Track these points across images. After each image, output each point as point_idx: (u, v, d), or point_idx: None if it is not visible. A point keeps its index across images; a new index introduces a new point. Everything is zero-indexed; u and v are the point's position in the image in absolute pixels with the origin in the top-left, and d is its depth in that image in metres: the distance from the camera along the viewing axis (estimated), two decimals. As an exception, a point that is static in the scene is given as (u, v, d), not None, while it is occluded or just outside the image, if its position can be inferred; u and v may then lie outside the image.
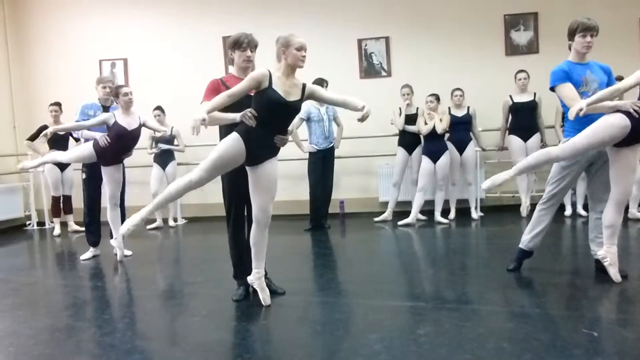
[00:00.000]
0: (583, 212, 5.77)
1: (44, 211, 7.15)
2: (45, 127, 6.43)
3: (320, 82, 5.90)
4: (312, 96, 3.13)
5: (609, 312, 2.95)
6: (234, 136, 2.95)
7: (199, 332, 2.89)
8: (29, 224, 7.13)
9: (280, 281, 3.51)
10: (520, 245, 3.70)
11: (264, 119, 2.95)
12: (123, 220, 4.66)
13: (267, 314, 3.07)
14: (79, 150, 4.64)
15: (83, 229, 5.13)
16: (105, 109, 4.78)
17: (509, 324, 2.75)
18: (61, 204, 6.70)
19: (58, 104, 6.39)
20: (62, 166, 6.54)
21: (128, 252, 4.80)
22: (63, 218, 6.74)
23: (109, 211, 4.69)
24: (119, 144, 4.45)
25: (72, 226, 6.67)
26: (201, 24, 7.16)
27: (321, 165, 5.97)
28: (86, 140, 4.80)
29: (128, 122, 4.47)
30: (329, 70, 6.75)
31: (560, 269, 3.75)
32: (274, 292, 3.32)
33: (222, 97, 2.89)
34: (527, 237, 3.66)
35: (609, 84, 3.34)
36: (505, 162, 6.38)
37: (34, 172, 7.12)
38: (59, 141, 6.34)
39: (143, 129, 4.62)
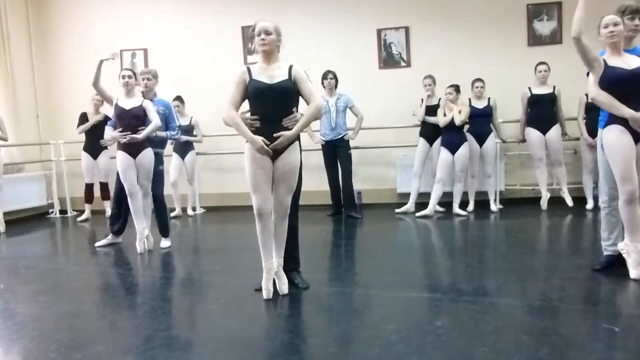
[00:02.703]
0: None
1: (66, 199, 7.28)
2: (84, 114, 6.56)
3: (326, 74, 5.90)
4: (296, 81, 3.00)
5: (630, 307, 2.90)
6: (247, 146, 3.03)
7: (217, 320, 2.92)
8: (52, 212, 7.27)
9: (298, 271, 3.52)
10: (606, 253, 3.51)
11: (260, 111, 2.98)
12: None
13: (284, 303, 3.09)
14: (119, 163, 4.58)
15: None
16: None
17: (528, 318, 2.73)
18: (94, 191, 6.84)
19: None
20: (95, 154, 6.66)
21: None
22: (99, 205, 6.83)
23: (141, 202, 4.68)
24: (122, 124, 4.51)
25: (109, 212, 6.78)
26: (220, 14, 7.16)
27: (332, 156, 6.03)
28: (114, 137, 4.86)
29: (127, 103, 4.54)
30: (347, 60, 6.73)
31: (581, 262, 3.69)
32: (295, 285, 3.31)
33: (235, 114, 3.01)
34: (607, 243, 3.49)
35: None
36: (525, 154, 6.31)
37: (57, 161, 7.27)
38: (93, 132, 6.56)
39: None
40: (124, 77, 4.56)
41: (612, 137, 3.16)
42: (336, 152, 6.03)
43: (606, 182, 3.36)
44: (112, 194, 5.12)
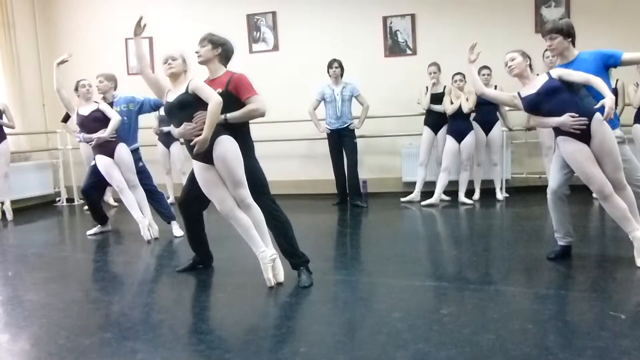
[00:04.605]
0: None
1: (73, 188, 7.31)
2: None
3: (331, 63, 5.91)
4: (196, 92, 3.08)
5: (636, 295, 2.89)
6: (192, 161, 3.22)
7: (224, 307, 2.94)
8: (59, 201, 7.31)
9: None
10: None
11: (174, 124, 3.20)
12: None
13: (291, 292, 3.10)
14: (101, 167, 4.70)
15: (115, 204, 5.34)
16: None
17: (534, 305, 2.73)
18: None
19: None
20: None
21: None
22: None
23: (132, 195, 4.75)
24: (86, 129, 4.67)
25: (110, 201, 6.83)
26: (226, 2, 7.12)
27: (337, 145, 6.04)
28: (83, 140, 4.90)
29: (86, 110, 4.70)
30: (353, 48, 6.69)
31: (586, 251, 3.69)
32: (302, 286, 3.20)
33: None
34: (557, 235, 3.56)
35: (607, 64, 3.32)
36: (532, 142, 6.28)
37: (63, 149, 7.29)
38: None
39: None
40: (83, 86, 4.76)
41: (562, 148, 3.29)
42: (342, 141, 6.02)
43: (552, 178, 3.46)
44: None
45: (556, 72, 3.28)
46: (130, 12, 7.27)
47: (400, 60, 6.80)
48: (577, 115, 3.14)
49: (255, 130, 5.80)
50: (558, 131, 3.26)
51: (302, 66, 6.80)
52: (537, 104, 3.30)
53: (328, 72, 5.95)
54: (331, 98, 5.94)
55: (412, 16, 6.73)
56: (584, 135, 3.16)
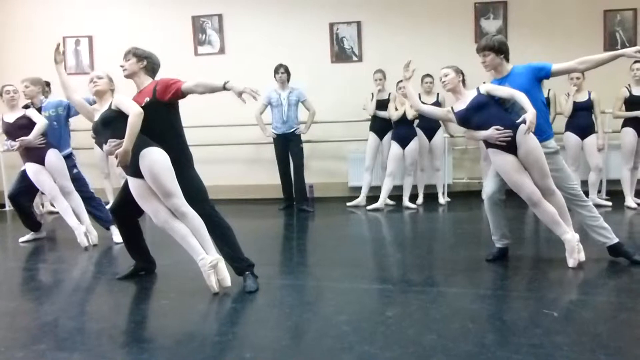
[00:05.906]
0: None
1: (4, 193, 6.91)
2: None
3: (277, 68, 5.90)
4: (118, 107, 3.13)
5: (568, 294, 3.06)
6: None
7: (168, 314, 2.87)
8: (-12, 206, 6.89)
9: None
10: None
11: (101, 144, 3.25)
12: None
13: (236, 297, 3.07)
14: (31, 175, 4.52)
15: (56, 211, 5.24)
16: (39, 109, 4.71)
17: (474, 305, 2.83)
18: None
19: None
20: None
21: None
22: (43, 199, 6.53)
23: (66, 201, 4.57)
24: (13, 137, 4.51)
25: (48, 207, 6.52)
26: (170, 3, 6.98)
27: (283, 149, 6.05)
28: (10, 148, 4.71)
29: (11, 117, 4.56)
30: (300, 54, 6.72)
31: (523, 252, 3.87)
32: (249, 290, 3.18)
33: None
34: (494, 237, 3.72)
35: (539, 76, 3.48)
36: (472, 148, 6.51)
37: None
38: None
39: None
40: (8, 92, 4.60)
41: (492, 159, 3.49)
42: (288, 145, 6.02)
43: (487, 184, 3.68)
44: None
45: (484, 88, 3.46)
46: (68, 9, 7.05)
47: (346, 66, 6.89)
48: (502, 128, 3.30)
49: (201, 133, 5.77)
50: (487, 144, 3.43)
51: (248, 70, 6.74)
52: (467, 118, 3.47)
53: (275, 77, 5.95)
54: (278, 102, 5.94)
55: (358, 23, 6.84)
56: (510, 147, 3.33)
